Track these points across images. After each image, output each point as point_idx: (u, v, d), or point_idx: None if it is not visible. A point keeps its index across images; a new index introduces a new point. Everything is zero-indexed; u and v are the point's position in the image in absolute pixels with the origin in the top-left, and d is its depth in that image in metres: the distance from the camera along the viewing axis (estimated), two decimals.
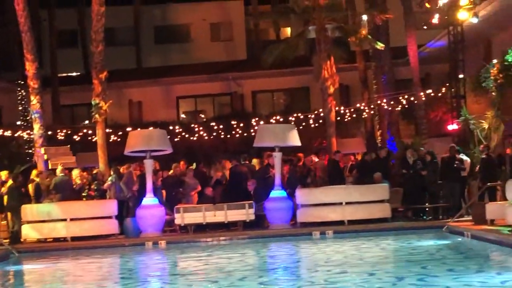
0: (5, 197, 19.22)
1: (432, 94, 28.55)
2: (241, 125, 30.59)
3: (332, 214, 19.03)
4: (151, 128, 24.66)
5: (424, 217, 19.54)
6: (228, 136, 30.72)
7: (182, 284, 11.18)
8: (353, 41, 26.48)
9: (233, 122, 30.74)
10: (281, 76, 33.91)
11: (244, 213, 19.10)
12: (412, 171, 19.61)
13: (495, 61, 21.87)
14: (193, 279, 11.61)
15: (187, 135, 30.64)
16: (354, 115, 30.46)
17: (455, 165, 19.26)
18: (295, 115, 30.29)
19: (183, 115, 35.64)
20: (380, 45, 25.20)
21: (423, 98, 27.31)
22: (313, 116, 30.06)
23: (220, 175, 21.01)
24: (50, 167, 21.98)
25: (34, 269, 14.85)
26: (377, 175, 19.65)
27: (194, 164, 22.23)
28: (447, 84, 27.29)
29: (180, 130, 30.58)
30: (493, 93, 21.47)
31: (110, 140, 27.41)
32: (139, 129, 24.89)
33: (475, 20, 22.77)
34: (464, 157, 20.03)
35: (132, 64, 38.57)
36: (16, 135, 29.38)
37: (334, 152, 22.04)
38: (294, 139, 19.66)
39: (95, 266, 14.54)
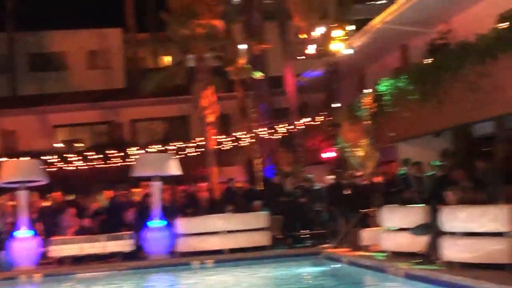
0: None
1: (310, 123, 29.16)
2: (120, 154, 30.19)
3: (213, 243, 18.97)
4: (25, 158, 23.87)
5: (302, 244, 19.81)
6: (106, 165, 30.22)
7: None
8: (231, 70, 26.76)
9: (111, 152, 30.28)
10: (160, 104, 33.82)
11: (123, 244, 18.77)
12: (291, 198, 19.89)
13: (368, 90, 22.61)
14: None
15: (63, 165, 29.93)
16: (234, 144, 30.66)
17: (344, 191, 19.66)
18: (175, 144, 30.19)
19: (60, 144, 34.78)
20: (258, 75, 25.63)
21: (302, 127, 27.85)
22: (193, 144, 30.05)
23: (98, 206, 20.60)
24: None
25: None
26: (257, 203, 19.83)
27: (72, 196, 21.72)
28: (324, 113, 27.95)
29: (57, 159, 29.85)
30: (368, 121, 22.15)
31: None
32: (14, 159, 24.10)
33: (349, 51, 23.56)
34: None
35: (6, 92, 37.44)
36: None
37: (228, 180, 22.08)
38: (174, 168, 19.53)
39: None
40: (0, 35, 37.93)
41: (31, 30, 39.82)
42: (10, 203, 19.79)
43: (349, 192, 19.74)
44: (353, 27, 23.96)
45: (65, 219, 19.75)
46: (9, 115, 34.16)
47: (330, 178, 21.48)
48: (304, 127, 28.53)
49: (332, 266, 15.71)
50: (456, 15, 20.41)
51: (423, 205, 14.02)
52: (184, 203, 21.18)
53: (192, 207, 20.92)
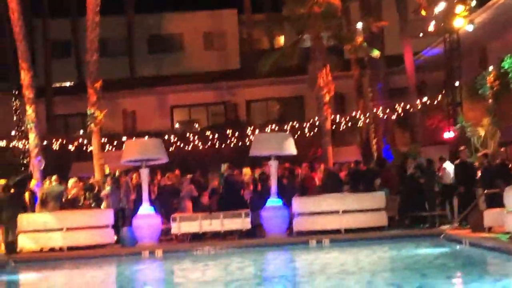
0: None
1: (428, 102, 28.56)
2: (236, 134, 30.53)
3: (329, 223, 18.94)
4: (146, 138, 24.50)
5: (421, 225, 19.45)
6: (223, 145, 30.64)
7: None
8: (348, 49, 26.49)
9: (227, 131, 30.67)
10: (275, 85, 33.94)
11: (240, 222, 19.02)
12: (410, 179, 19.55)
13: (491, 68, 21.88)
14: None
15: (181, 145, 30.56)
16: (349, 124, 30.42)
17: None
18: (289, 124, 30.25)
19: (177, 125, 35.54)
20: (375, 53, 25.23)
21: (419, 106, 27.30)
22: (308, 125, 30.02)
23: (216, 184, 20.93)
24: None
25: (31, 279, 14.74)
26: (377, 182, 19.64)
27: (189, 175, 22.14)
28: (443, 92, 27.29)
29: (175, 139, 30.51)
30: (489, 100, 21.47)
31: (105, 150, 27.32)
32: (134, 138, 24.80)
33: (470, 28, 22.83)
34: (448, 165, 19.90)
35: (125, 74, 38.52)
36: (11, 145, 29.31)
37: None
38: (290, 148, 19.56)
39: (91, 276, 14.43)
40: (120, 18, 38.92)
41: (149, 13, 40.75)
42: (133, 181, 20.39)
43: (471, 172, 19.18)
44: (474, 2, 23.14)
45: (184, 197, 20.19)
46: (129, 96, 35.17)
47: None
48: (422, 106, 27.95)
49: (452, 247, 15.34)
50: None
51: None
52: (301, 182, 21.21)
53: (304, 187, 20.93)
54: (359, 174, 20.72)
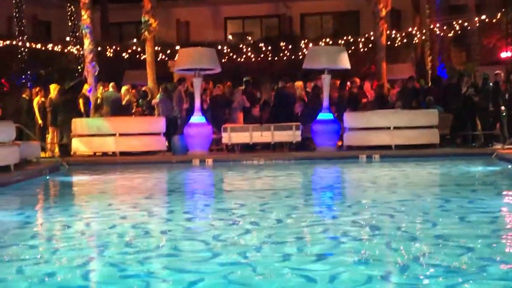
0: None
1: (487, 20, 27.82)
2: (289, 47, 30.31)
3: (380, 139, 18.92)
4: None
5: (473, 144, 19.29)
6: (276, 58, 30.49)
7: (228, 199, 11.27)
8: None
9: (280, 44, 30.45)
10: None
11: (290, 135, 19.11)
12: (464, 97, 19.29)
13: None
14: (239, 195, 11.67)
15: (234, 56, 30.51)
16: (405, 40, 29.90)
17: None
18: (344, 38, 29.87)
19: (230, 37, 35.36)
20: None
21: (477, 24, 26.65)
22: (362, 40, 29.61)
23: (267, 96, 20.94)
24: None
25: (83, 180, 15.11)
26: (430, 99, 19.43)
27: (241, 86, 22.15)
28: (502, 10, 26.55)
29: (228, 51, 30.44)
30: None
31: (158, 59, 27.46)
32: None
33: None
34: None
35: None
36: (66, 50, 29.60)
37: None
38: (344, 62, 19.39)
39: (143, 180, 14.73)
40: None
41: None
42: (186, 89, 20.52)
43: None
44: None
45: (235, 108, 20.28)
46: (183, 6, 34.99)
47: None
48: (480, 24, 27.25)
49: (504, 166, 15.20)
50: None
51: None
52: (349, 97, 21.08)
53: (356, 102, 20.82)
54: (413, 91, 20.49)
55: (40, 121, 20.42)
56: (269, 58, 30.57)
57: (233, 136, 19.19)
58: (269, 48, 30.57)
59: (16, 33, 29.68)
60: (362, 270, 5.80)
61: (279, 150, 19.51)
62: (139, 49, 29.08)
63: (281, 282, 5.56)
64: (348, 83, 21.49)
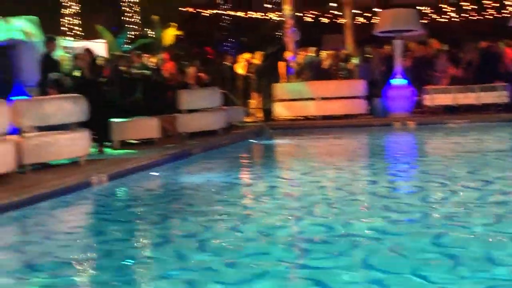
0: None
1: None
2: (493, 5, 29.03)
3: None
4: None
5: None
6: (480, 16, 29.30)
7: (431, 162, 11.01)
8: None
9: (485, 2, 29.20)
10: None
11: (496, 96, 18.29)
12: None
13: None
14: (443, 160, 11.34)
15: (435, 16, 29.68)
16: None
17: None
18: None
19: None
20: None
21: None
22: None
23: (472, 56, 20.13)
24: None
25: (286, 143, 15.43)
26: None
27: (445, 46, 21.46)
28: None
29: (429, 11, 29.65)
30: None
31: (356, 22, 27.27)
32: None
33: None
34: None
35: None
36: (266, 17, 30.22)
37: None
38: None
39: (344, 143, 14.78)
40: None
41: None
42: (385, 52, 20.24)
43: None
44: None
45: (439, 69, 19.71)
46: None
47: None
48: None
49: None
50: None
51: None
52: None
53: None
54: None
55: (243, 87, 20.99)
56: (474, 18, 29.37)
57: (435, 98, 18.68)
58: (472, 7, 29.37)
59: (220, 2, 30.66)
60: None
61: (485, 112, 18.74)
62: (336, 12, 29.02)
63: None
64: None
